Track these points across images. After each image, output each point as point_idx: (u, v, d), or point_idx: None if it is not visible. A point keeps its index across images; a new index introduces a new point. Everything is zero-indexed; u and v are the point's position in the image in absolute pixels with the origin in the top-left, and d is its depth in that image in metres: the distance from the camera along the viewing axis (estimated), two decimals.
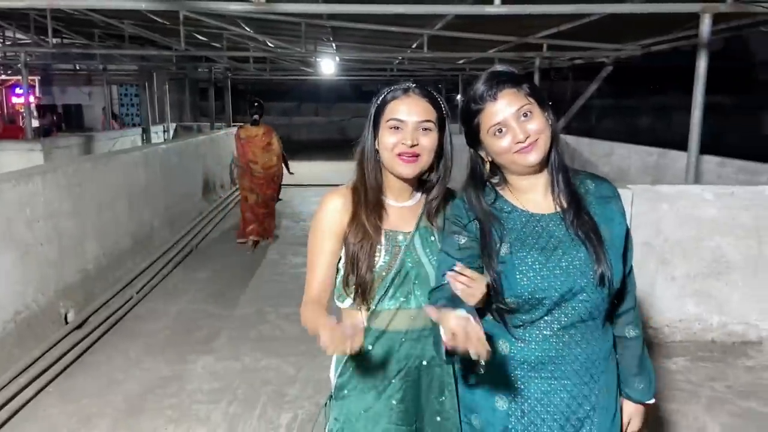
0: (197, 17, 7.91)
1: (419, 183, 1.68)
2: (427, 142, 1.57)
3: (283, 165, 7.21)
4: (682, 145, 5.25)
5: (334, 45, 11.17)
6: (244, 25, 9.08)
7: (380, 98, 1.61)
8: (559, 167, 1.51)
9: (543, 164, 1.50)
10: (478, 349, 1.22)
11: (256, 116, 6.96)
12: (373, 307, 1.60)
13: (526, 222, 1.50)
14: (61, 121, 14.96)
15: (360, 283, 1.59)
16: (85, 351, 4.09)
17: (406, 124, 1.56)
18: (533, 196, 1.52)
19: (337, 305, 1.67)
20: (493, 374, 1.48)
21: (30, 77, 10.81)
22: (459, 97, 15.24)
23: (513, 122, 1.44)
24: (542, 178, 1.52)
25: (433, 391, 1.64)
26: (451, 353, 1.31)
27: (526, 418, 1.50)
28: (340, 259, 1.64)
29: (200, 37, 10.71)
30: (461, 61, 12.22)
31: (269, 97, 23.39)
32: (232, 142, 11.00)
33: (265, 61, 13.90)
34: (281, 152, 7.12)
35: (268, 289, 5.41)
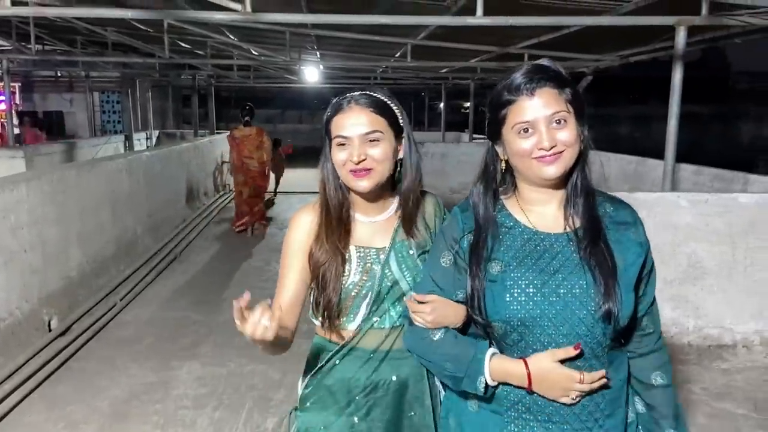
0: (181, 25, 7.94)
1: (390, 195, 1.60)
2: (378, 153, 1.47)
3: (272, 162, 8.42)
4: (660, 154, 5.38)
5: (318, 53, 11.25)
6: (228, 33, 9.12)
7: (327, 112, 1.53)
8: (581, 189, 1.34)
9: (562, 181, 1.34)
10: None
11: (247, 118, 7.96)
12: (342, 323, 1.55)
13: (528, 239, 1.34)
14: (42, 129, 14.80)
15: (325, 305, 1.52)
16: (69, 358, 4.08)
17: (350, 139, 1.47)
18: (543, 211, 1.36)
19: (314, 322, 1.62)
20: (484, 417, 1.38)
21: (10, 84, 10.72)
22: (442, 105, 15.37)
23: (543, 125, 1.27)
24: (558, 195, 1.36)
25: (405, 409, 1.57)
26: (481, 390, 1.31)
27: None
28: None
29: (184, 45, 10.73)
30: (444, 70, 12.36)
31: (254, 103, 23.44)
32: (216, 150, 11.06)
33: (249, 68, 13.95)
34: (271, 149, 8.25)
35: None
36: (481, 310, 1.32)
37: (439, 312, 1.38)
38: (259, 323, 1.28)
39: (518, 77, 1.29)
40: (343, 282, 1.52)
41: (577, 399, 1.27)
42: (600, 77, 9.89)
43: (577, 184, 1.34)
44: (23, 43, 10.55)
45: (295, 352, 1.68)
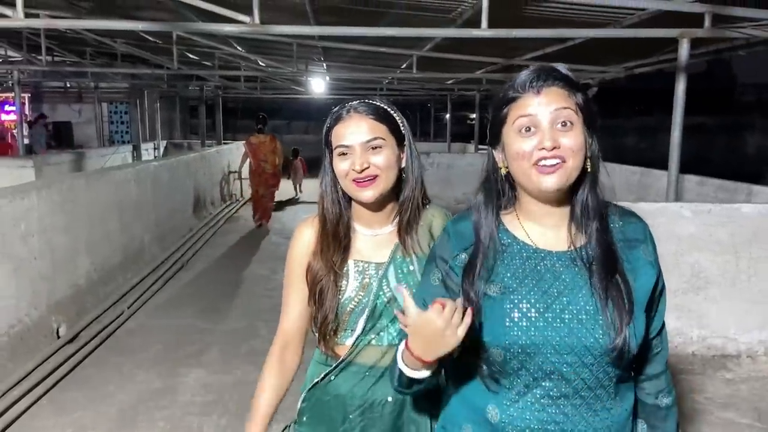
0: (190, 37, 8.06)
1: (395, 206, 1.53)
2: (380, 160, 1.43)
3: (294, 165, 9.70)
4: (666, 164, 5.41)
5: (324, 65, 11.36)
6: (236, 45, 9.24)
7: (327, 123, 1.49)
8: (593, 213, 1.22)
9: (566, 198, 1.23)
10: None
11: (260, 126, 9.14)
12: (339, 338, 1.51)
13: (527, 258, 1.23)
14: (51, 138, 14.97)
15: (321, 321, 1.50)
16: (77, 365, 4.12)
17: (352, 148, 1.43)
18: (544, 226, 1.25)
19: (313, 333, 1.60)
20: None
21: (20, 94, 10.88)
22: (448, 116, 15.44)
23: (547, 124, 1.16)
24: (561, 210, 1.24)
25: (400, 429, 1.52)
26: (407, 385, 1.22)
27: None
28: None
29: (192, 56, 10.87)
30: (449, 82, 12.46)
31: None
32: (223, 160, 11.27)
33: (256, 79, 14.07)
34: (282, 154, 9.42)
35: (258, 304, 5.47)
36: (474, 327, 1.17)
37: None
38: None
39: (525, 74, 1.19)
40: (340, 297, 1.49)
41: (460, 330, 1.10)
42: (605, 89, 9.96)
43: (587, 205, 1.21)
44: (34, 55, 10.72)
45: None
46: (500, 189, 1.28)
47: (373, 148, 1.43)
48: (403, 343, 1.20)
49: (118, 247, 5.94)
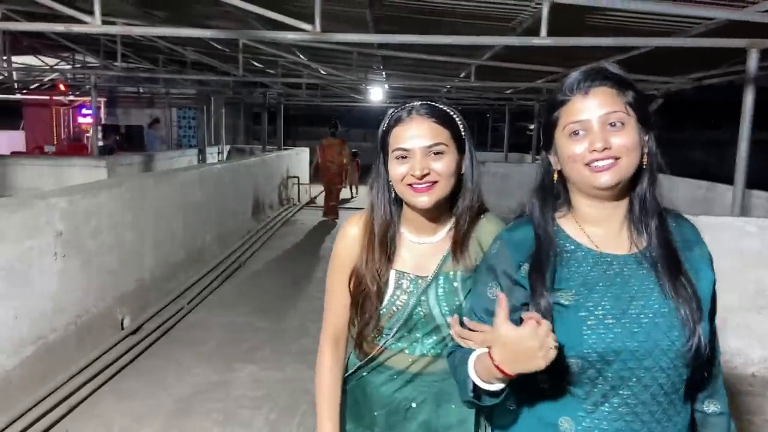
0: (255, 45, 8.33)
1: (448, 215, 1.48)
2: (442, 166, 1.37)
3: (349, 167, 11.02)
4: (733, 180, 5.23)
5: (383, 73, 11.49)
6: (299, 54, 9.47)
7: (384, 124, 1.43)
8: (652, 210, 1.21)
9: (622, 195, 1.22)
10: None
11: (333, 130, 10.45)
12: (372, 342, 1.52)
13: (594, 264, 1.20)
14: (124, 141, 15.72)
15: (362, 327, 1.51)
16: (138, 355, 4.32)
17: (413, 152, 1.36)
18: (603, 229, 1.23)
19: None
20: None
21: (97, 98, 11.51)
22: (506, 126, 15.31)
23: (597, 126, 1.15)
24: (619, 212, 1.23)
25: None
26: (476, 397, 1.18)
27: None
28: None
29: (257, 64, 11.21)
30: (508, 91, 12.36)
31: (319, 122, 23.96)
32: (282, 165, 11.73)
33: (317, 87, 14.37)
34: (349, 157, 10.79)
35: (310, 304, 5.59)
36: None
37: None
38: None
39: (573, 76, 1.19)
40: (380, 306, 1.48)
41: (552, 352, 1.06)
42: (672, 100, 9.67)
43: (646, 201, 1.20)
44: (110, 61, 11.31)
45: None
46: (556, 192, 1.27)
47: (434, 153, 1.37)
48: (474, 354, 1.17)
49: (180, 245, 6.19)
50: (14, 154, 12.12)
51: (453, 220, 1.47)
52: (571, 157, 1.18)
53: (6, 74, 12.26)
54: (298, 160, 13.69)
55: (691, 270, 1.19)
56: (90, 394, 3.70)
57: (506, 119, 15.24)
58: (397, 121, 1.40)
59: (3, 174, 8.79)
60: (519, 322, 1.09)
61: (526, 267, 1.22)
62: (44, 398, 3.43)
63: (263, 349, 4.53)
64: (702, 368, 1.20)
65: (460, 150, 1.42)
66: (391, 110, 1.44)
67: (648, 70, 7.83)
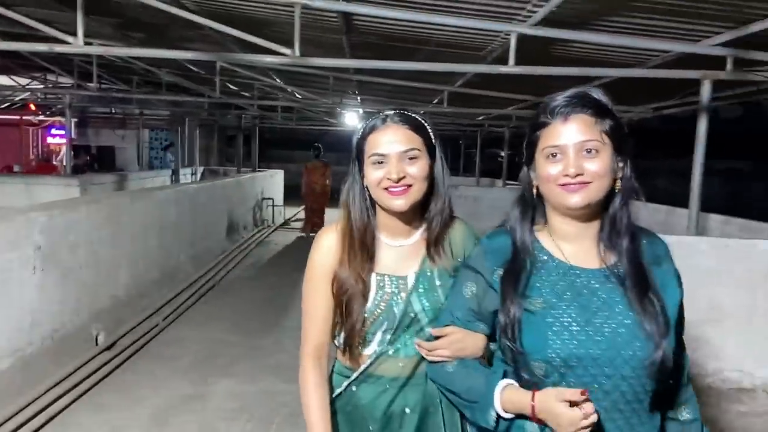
0: (232, 68, 8.48)
1: (421, 218, 1.55)
2: (416, 170, 1.45)
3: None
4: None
5: (359, 98, 11.73)
6: (275, 77, 9.65)
7: (359, 132, 1.51)
8: (625, 229, 1.29)
9: (595, 215, 1.30)
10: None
11: (316, 153, 11.42)
12: (359, 349, 1.52)
13: (563, 275, 1.29)
14: (95, 161, 15.65)
15: (348, 332, 1.51)
16: (114, 370, 4.35)
17: (388, 157, 1.44)
18: (575, 245, 1.32)
19: (335, 344, 1.60)
20: None
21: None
22: (477, 150, 15.65)
23: (572, 151, 1.24)
24: (591, 230, 1.31)
25: None
26: (497, 423, 1.27)
27: None
28: None
29: (232, 87, 11.33)
30: (480, 118, 12.69)
31: (294, 145, 24.10)
32: (257, 187, 11.84)
33: (292, 110, 14.53)
34: (330, 179, 11.15)
35: (286, 321, 5.67)
36: (515, 339, 1.26)
37: (456, 345, 1.38)
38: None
39: (557, 100, 1.28)
40: (363, 309, 1.50)
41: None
42: (636, 129, 10.07)
43: (616, 221, 1.28)
44: (84, 81, 11.32)
45: None
46: (534, 204, 1.36)
47: (409, 158, 1.45)
48: (501, 385, 1.27)
49: (155, 263, 6.23)
50: None
51: (426, 223, 1.55)
52: (546, 177, 1.27)
53: None
54: (273, 182, 13.77)
55: (660, 286, 1.27)
56: (66, 407, 3.72)
57: (478, 144, 15.58)
58: (372, 128, 1.48)
59: None
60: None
61: (499, 273, 1.32)
62: (21, 409, 3.45)
63: (239, 364, 4.60)
64: (667, 381, 1.26)
65: (432, 156, 1.51)
66: (367, 120, 1.53)
67: (612, 100, 8.17)
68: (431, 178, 1.50)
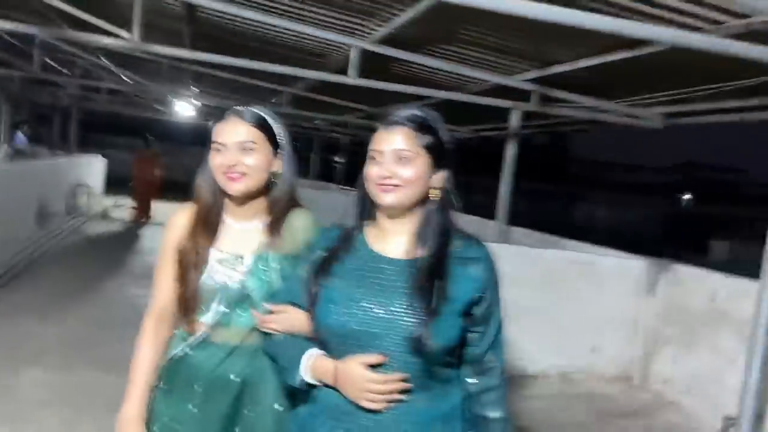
0: (54, 42, 7.77)
1: (264, 204, 1.72)
2: (251, 161, 1.63)
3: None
4: (512, 221, 6.30)
5: (196, 89, 11.39)
6: (101, 56, 9.02)
7: (211, 123, 1.72)
8: (438, 229, 1.46)
9: (408, 213, 1.47)
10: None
11: (147, 142, 11.78)
12: (196, 317, 1.67)
13: (366, 261, 1.47)
14: None
15: (180, 296, 1.68)
16: None
17: (225, 146, 1.63)
18: (392, 239, 1.48)
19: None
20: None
21: None
22: (312, 155, 15.95)
23: (389, 157, 1.42)
24: (407, 226, 1.48)
25: (241, 405, 1.65)
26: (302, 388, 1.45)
27: None
28: None
29: (51, 62, 10.36)
30: (317, 122, 12.96)
31: (118, 131, 22.50)
32: (72, 172, 11.00)
33: (118, 93, 13.62)
34: (160, 169, 11.59)
35: (99, 312, 5.44)
36: (312, 312, 1.45)
37: (286, 322, 1.51)
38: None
39: (393, 113, 1.47)
40: (201, 280, 1.66)
41: (382, 406, 1.36)
42: (461, 148, 10.99)
43: (428, 224, 1.45)
44: None
45: None
46: (368, 202, 1.50)
47: (244, 149, 1.63)
48: (312, 358, 1.43)
49: None
50: None
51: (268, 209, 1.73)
52: (368, 176, 1.45)
53: None
54: (92, 168, 12.80)
55: (456, 281, 1.41)
56: None
57: (313, 148, 15.90)
58: (219, 119, 1.68)
59: None
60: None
61: (319, 253, 1.51)
62: None
63: (50, 354, 4.34)
64: (437, 359, 1.38)
65: (277, 152, 1.70)
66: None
67: (443, 120, 8.87)
68: (273, 171, 1.69)
